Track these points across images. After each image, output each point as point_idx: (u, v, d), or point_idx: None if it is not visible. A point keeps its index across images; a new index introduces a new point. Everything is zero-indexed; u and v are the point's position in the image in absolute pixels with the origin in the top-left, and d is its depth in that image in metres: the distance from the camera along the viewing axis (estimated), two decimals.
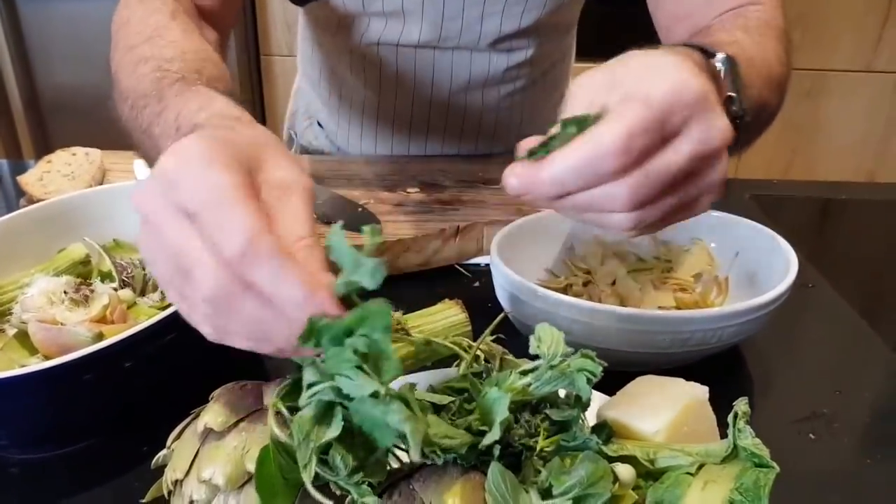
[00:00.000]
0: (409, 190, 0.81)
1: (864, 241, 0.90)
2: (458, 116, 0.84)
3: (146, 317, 0.51)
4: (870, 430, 0.53)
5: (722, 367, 0.58)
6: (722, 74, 0.45)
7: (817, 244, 0.85)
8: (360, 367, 0.30)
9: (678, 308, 0.60)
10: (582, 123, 0.37)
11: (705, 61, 0.45)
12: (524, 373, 0.32)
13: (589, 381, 0.31)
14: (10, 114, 1.86)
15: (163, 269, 0.31)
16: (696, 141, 0.36)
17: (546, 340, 0.32)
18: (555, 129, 0.38)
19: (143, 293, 0.56)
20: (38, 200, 0.73)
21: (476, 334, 0.46)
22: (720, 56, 0.46)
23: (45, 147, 1.92)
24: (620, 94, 0.37)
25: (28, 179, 0.76)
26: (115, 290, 0.53)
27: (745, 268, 0.64)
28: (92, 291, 0.52)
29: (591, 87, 0.39)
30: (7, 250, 0.58)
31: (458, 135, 0.86)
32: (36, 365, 0.38)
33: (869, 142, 2.02)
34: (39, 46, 1.83)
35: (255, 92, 1.97)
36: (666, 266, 0.67)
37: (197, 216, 0.29)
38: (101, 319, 0.50)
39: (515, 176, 0.38)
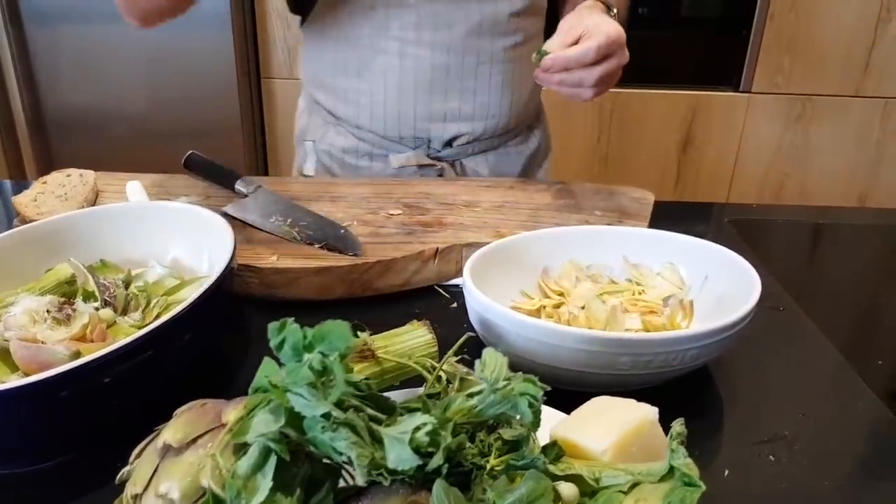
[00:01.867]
0: (391, 212, 0.83)
1: (839, 264, 0.91)
2: (471, 63, 0.92)
3: (124, 335, 0.53)
4: (830, 453, 0.54)
5: (690, 387, 0.59)
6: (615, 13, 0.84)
7: (792, 268, 0.87)
8: (313, 385, 0.31)
9: (646, 330, 0.62)
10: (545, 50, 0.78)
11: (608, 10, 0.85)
12: (471, 395, 0.34)
13: (531, 405, 0.33)
14: (14, 132, 1.90)
15: None
16: (623, 55, 0.79)
17: (490, 365, 0.33)
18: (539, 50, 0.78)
19: (124, 312, 0.58)
20: (31, 221, 0.75)
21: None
22: (614, 10, 0.85)
23: (48, 166, 1.95)
24: (586, 26, 0.77)
25: (22, 200, 0.78)
26: (97, 309, 0.55)
27: (714, 291, 0.65)
28: (74, 311, 0.54)
29: (570, 21, 0.79)
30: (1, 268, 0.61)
31: (471, 87, 0.94)
32: (11, 382, 0.40)
33: (860, 164, 2.04)
34: (45, 66, 1.87)
35: (255, 114, 2.00)
36: (637, 289, 0.68)
37: None
38: (81, 338, 0.51)
39: (549, 59, 0.77)
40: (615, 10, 0.85)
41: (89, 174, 0.85)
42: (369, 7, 0.89)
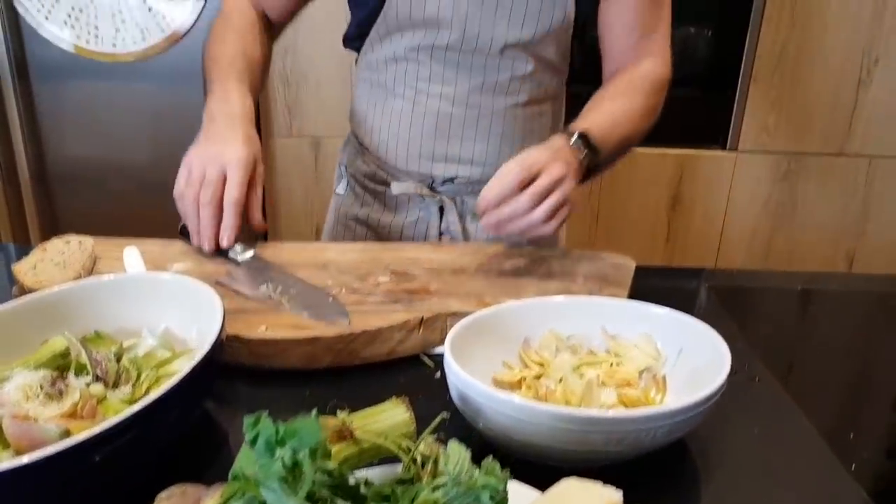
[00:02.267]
0: (380, 279, 0.85)
1: (819, 333, 0.93)
2: (473, 115, 1.04)
3: (114, 412, 0.55)
4: None
5: (665, 459, 0.61)
6: (577, 144, 0.87)
7: (771, 336, 0.89)
8: (284, 480, 0.34)
9: (623, 404, 0.64)
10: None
11: (567, 139, 0.88)
12: (436, 488, 0.36)
13: (492, 496, 0.35)
14: (17, 185, 1.94)
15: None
16: (546, 179, 0.81)
17: (453, 458, 0.35)
18: None
19: (115, 385, 0.60)
20: (29, 289, 0.78)
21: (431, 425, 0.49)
22: (575, 134, 0.88)
23: (50, 218, 1.98)
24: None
25: (22, 268, 0.81)
26: (88, 385, 0.57)
27: (689, 364, 0.68)
28: (66, 386, 0.56)
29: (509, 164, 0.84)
30: None
31: (472, 135, 1.05)
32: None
33: (847, 221, 2.08)
34: (50, 120, 1.92)
35: None
36: (615, 360, 0.70)
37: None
38: (72, 414, 0.53)
39: (482, 226, 0.83)
40: (575, 135, 0.88)
41: (88, 241, 0.88)
42: (393, 58, 1.02)
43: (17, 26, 1.80)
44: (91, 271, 0.85)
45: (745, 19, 1.91)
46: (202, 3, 1.76)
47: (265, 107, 1.98)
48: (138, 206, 1.98)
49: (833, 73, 1.93)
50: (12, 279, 0.82)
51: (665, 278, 1.00)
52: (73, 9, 1.78)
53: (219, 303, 0.65)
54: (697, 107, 2.08)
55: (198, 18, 1.77)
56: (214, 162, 0.85)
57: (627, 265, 0.93)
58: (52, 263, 0.83)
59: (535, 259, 0.93)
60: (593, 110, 0.94)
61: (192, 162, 0.87)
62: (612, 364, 0.70)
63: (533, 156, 0.83)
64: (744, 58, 1.93)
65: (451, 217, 1.09)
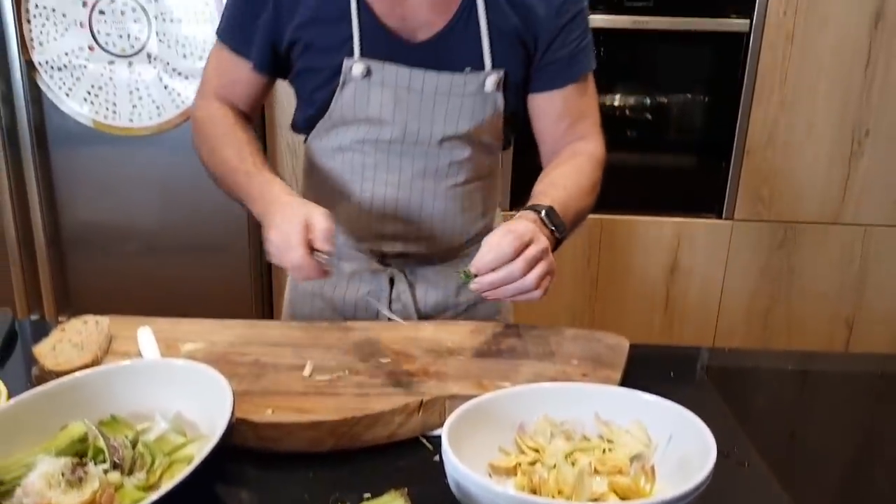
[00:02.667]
0: (381, 360, 0.89)
1: (812, 415, 0.96)
2: (417, 199, 1.10)
3: (131, 500, 0.58)
4: None
5: None
6: (544, 219, 0.93)
7: (763, 418, 0.92)
8: None
9: (614, 492, 0.67)
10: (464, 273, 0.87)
11: (536, 215, 0.93)
12: None
13: None
14: (32, 247, 1.98)
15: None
16: (536, 248, 0.86)
17: None
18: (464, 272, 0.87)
19: (130, 472, 0.63)
20: (49, 371, 0.82)
21: None
22: (542, 211, 0.94)
23: (62, 281, 2.03)
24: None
25: (42, 350, 0.85)
26: (106, 472, 0.60)
27: (678, 451, 0.70)
28: (86, 473, 0.59)
29: (495, 237, 0.87)
30: (15, 428, 0.66)
31: (416, 217, 1.11)
32: None
33: (845, 288, 2.11)
34: (66, 186, 1.98)
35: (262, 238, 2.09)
36: (608, 446, 0.73)
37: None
38: (92, 502, 0.56)
39: (475, 284, 0.86)
40: (543, 213, 0.93)
41: (104, 321, 0.92)
42: (340, 148, 1.09)
43: (38, 100, 1.88)
44: (107, 351, 0.89)
45: (738, 91, 1.98)
46: None
47: (272, 151, 2.04)
48: (147, 268, 2.03)
49: (824, 146, 1.99)
50: (32, 359, 0.86)
51: (660, 357, 1.03)
52: (92, 86, 1.86)
53: (228, 390, 0.69)
54: (693, 176, 2.14)
55: None
56: (283, 255, 0.90)
57: (621, 345, 0.96)
58: (71, 345, 0.87)
59: (530, 338, 0.96)
60: (550, 188, 1.00)
61: (273, 256, 0.92)
62: (604, 450, 0.73)
63: (522, 226, 0.87)
64: (736, 131, 2.00)
65: (402, 286, 1.14)
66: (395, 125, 1.04)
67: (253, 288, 2.07)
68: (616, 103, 2.12)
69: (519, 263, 0.84)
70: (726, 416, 0.86)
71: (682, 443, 0.71)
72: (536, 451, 0.73)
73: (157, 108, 1.86)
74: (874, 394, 1.00)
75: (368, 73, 1.00)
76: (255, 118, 1.15)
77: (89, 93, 1.87)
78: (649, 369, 0.95)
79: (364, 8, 0.99)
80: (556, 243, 0.95)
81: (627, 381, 0.90)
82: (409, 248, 1.13)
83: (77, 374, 0.73)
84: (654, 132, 2.16)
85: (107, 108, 1.87)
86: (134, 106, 1.87)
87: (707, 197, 2.08)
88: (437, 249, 1.14)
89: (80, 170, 1.96)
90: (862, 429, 0.93)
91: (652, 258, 2.09)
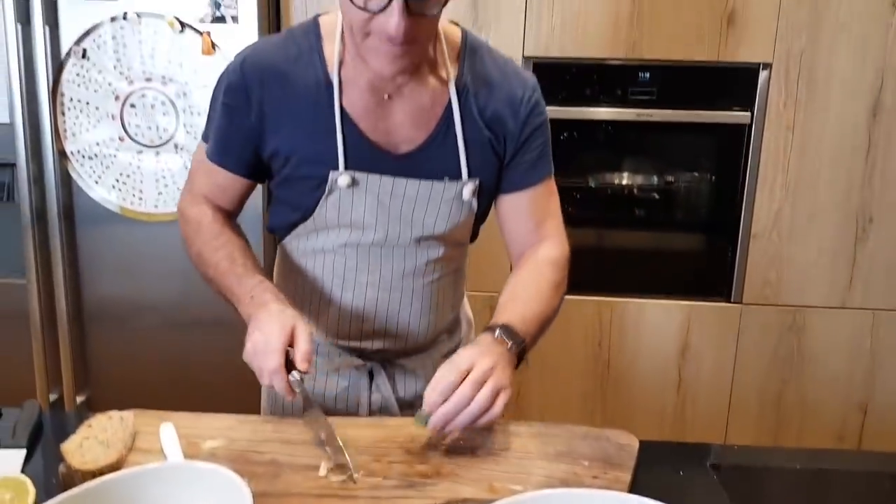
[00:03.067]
0: (394, 460, 0.91)
1: None
2: (395, 299, 1.15)
3: None
4: None
5: None
6: (501, 336, 0.99)
7: None
8: None
9: None
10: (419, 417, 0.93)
11: (492, 334, 1.00)
12: None
13: None
14: (54, 321, 2.03)
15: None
16: (479, 369, 0.92)
17: None
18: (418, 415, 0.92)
19: None
20: (76, 470, 0.85)
21: None
22: (497, 330, 1.00)
23: (81, 357, 2.06)
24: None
25: (69, 448, 0.88)
26: None
27: None
28: None
29: (443, 370, 0.94)
30: None
31: (395, 315, 1.16)
32: None
33: (857, 372, 2.11)
34: (90, 263, 2.04)
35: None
36: None
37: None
38: None
39: (431, 424, 0.91)
40: (497, 331, 1.00)
41: (128, 417, 0.96)
42: (321, 250, 1.14)
43: (68, 184, 1.97)
44: (131, 448, 0.92)
45: (742, 177, 2.04)
46: None
47: None
48: (165, 342, 2.07)
49: (829, 231, 2.03)
50: (59, 455, 0.89)
51: (669, 454, 1.04)
52: (121, 174, 1.95)
53: (249, 495, 0.72)
54: (701, 259, 2.18)
55: None
56: (260, 358, 0.96)
57: (631, 445, 0.98)
58: (97, 442, 0.90)
59: (540, 437, 0.98)
60: (509, 303, 1.07)
61: (249, 359, 0.98)
62: None
63: (463, 356, 0.94)
64: (742, 216, 2.05)
65: (381, 379, 1.19)
66: (377, 229, 1.10)
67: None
68: (624, 182, 2.18)
69: (465, 387, 0.90)
70: None
71: None
72: None
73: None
74: (884, 494, 1.01)
75: (354, 182, 1.07)
76: (237, 217, 1.19)
77: (117, 180, 1.95)
78: (659, 467, 0.96)
79: (348, 123, 1.06)
80: (520, 355, 1.01)
81: (638, 479, 0.92)
82: (387, 344, 1.18)
83: (106, 477, 0.76)
84: (661, 214, 2.22)
85: (133, 195, 1.96)
86: (159, 193, 1.95)
87: (715, 280, 2.12)
88: (415, 343, 1.19)
89: (105, 249, 2.02)
90: None
91: (663, 340, 2.11)
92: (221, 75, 1.10)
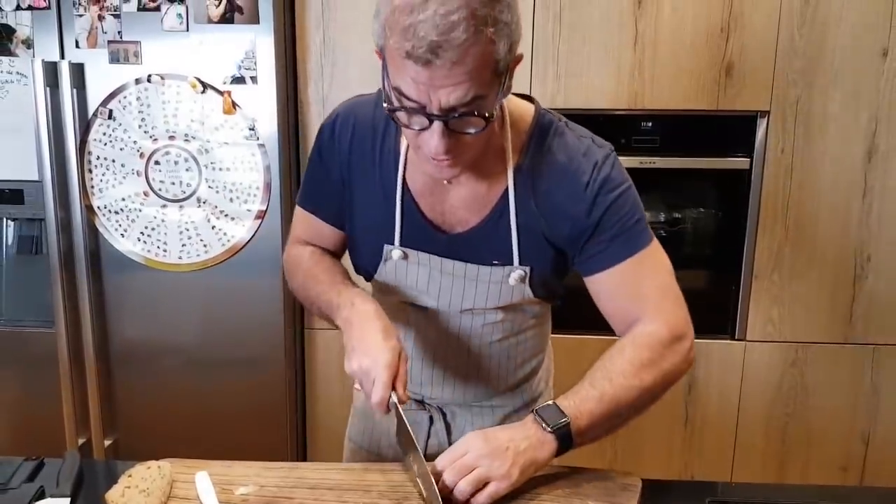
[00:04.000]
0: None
1: None
2: (454, 356, 1.20)
3: None
4: None
5: None
6: (537, 418, 0.99)
7: None
8: None
9: None
10: None
11: (535, 424, 0.99)
12: None
13: None
14: (82, 364, 2.10)
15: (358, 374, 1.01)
16: (470, 456, 0.97)
17: None
18: None
19: None
20: None
21: None
22: (536, 411, 1.00)
23: (109, 395, 2.14)
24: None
25: (112, 497, 0.95)
26: None
27: None
28: None
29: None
30: None
31: (453, 371, 1.21)
32: None
33: (859, 405, 2.16)
34: (116, 309, 2.12)
35: (298, 360, 2.22)
36: None
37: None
38: None
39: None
40: (535, 415, 0.99)
41: (166, 466, 1.03)
42: (388, 303, 1.16)
43: (95, 237, 2.06)
44: (170, 495, 0.99)
45: (744, 220, 2.11)
46: (259, 222, 2.01)
47: None
48: (187, 381, 2.14)
49: (829, 270, 2.09)
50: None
51: (672, 492, 1.10)
52: (146, 227, 2.05)
53: None
54: (706, 298, 2.24)
55: (254, 235, 2.02)
56: (367, 377, 1.00)
57: (634, 485, 1.04)
58: (138, 491, 0.97)
59: (547, 479, 1.04)
60: (581, 382, 1.03)
61: (355, 373, 1.02)
62: None
63: (464, 440, 0.99)
64: (744, 257, 2.11)
65: (439, 426, 1.24)
66: (429, 296, 1.15)
67: (288, 397, 2.17)
68: None
69: (447, 475, 0.95)
70: None
71: None
72: None
73: (205, 246, 2.03)
74: None
75: (405, 256, 1.12)
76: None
77: (142, 233, 2.05)
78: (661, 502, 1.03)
79: (408, 198, 1.11)
80: (562, 440, 0.98)
81: None
82: (445, 396, 1.23)
83: None
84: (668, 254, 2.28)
85: (158, 247, 2.05)
86: (183, 245, 2.04)
87: (720, 319, 2.18)
88: (475, 397, 1.23)
89: (130, 296, 2.11)
90: None
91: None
92: (321, 125, 1.16)
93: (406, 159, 1.09)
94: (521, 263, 1.09)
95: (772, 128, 2.03)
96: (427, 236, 1.11)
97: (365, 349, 1.00)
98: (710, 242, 2.24)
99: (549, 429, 0.98)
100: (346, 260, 1.24)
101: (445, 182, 1.08)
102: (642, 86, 2.02)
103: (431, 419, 1.24)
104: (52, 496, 1.03)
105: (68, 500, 1.03)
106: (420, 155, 0.99)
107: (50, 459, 1.15)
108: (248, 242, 2.02)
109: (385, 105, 0.95)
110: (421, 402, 1.25)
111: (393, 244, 1.12)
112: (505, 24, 0.87)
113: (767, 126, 2.03)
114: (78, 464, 1.12)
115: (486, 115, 0.91)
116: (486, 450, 0.96)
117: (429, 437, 1.24)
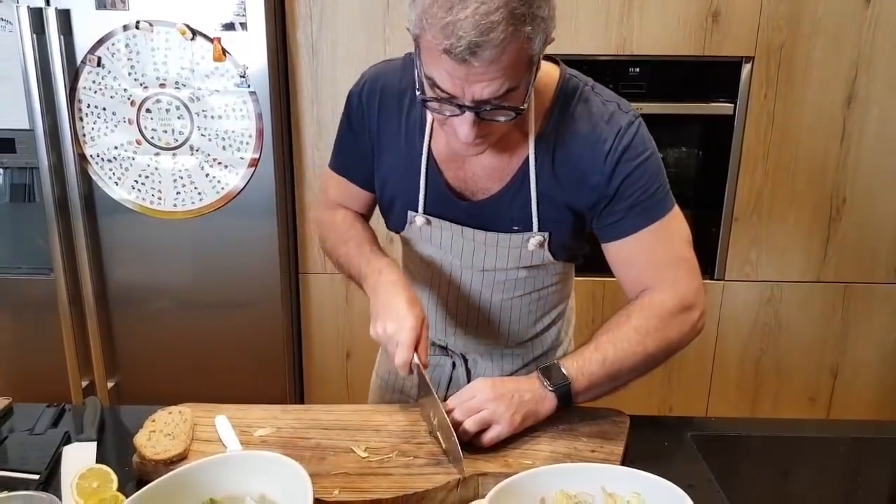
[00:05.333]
0: (423, 441, 1.06)
1: (793, 479, 1.11)
2: (475, 307, 1.25)
3: None
4: None
5: None
6: (539, 375, 1.07)
7: (753, 484, 1.07)
8: None
9: None
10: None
11: (538, 381, 1.06)
12: None
13: None
14: (81, 307, 2.14)
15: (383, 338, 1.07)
16: (476, 400, 1.04)
17: None
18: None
19: None
20: (150, 459, 0.99)
21: None
22: (538, 370, 1.07)
23: (109, 335, 2.19)
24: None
25: (140, 441, 1.02)
26: None
27: None
28: None
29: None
30: None
31: (475, 321, 1.26)
32: None
33: (829, 340, 2.28)
34: (111, 254, 2.15)
35: (293, 304, 2.28)
36: None
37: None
38: None
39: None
40: (550, 387, 1.04)
41: (187, 411, 1.09)
42: (415, 255, 1.24)
43: (89, 185, 2.07)
44: (192, 438, 1.06)
45: (725, 164, 2.17)
46: (252, 170, 2.04)
47: (302, 248, 2.24)
48: (186, 325, 2.20)
49: (806, 212, 2.18)
50: (130, 447, 1.03)
51: (654, 427, 1.19)
52: (139, 175, 2.06)
53: (306, 477, 0.86)
54: None
55: (248, 182, 2.05)
56: (392, 341, 1.05)
57: (623, 421, 1.13)
58: (163, 434, 1.04)
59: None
60: (587, 343, 1.09)
61: (380, 337, 1.08)
62: None
63: (472, 385, 1.06)
64: (724, 200, 2.19)
65: (460, 371, 1.31)
66: (452, 255, 1.20)
67: (284, 339, 2.25)
68: None
69: (455, 413, 1.02)
70: (711, 482, 1.02)
71: None
72: None
73: (199, 193, 2.06)
74: (843, 457, 1.16)
75: (428, 222, 1.17)
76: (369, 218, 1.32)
77: (136, 181, 2.06)
78: (646, 438, 1.11)
79: (433, 166, 1.14)
80: (562, 398, 1.05)
81: (630, 450, 1.07)
82: (468, 344, 1.29)
83: (185, 466, 0.90)
84: None
85: (153, 196, 2.07)
86: (178, 193, 2.06)
87: (701, 260, 2.24)
88: (497, 346, 1.29)
89: (127, 242, 2.13)
90: (839, 493, 1.09)
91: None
92: (350, 91, 1.18)
93: (432, 128, 1.11)
94: (540, 229, 1.12)
95: (756, 73, 2.07)
96: (449, 203, 1.15)
97: (390, 315, 1.06)
98: (693, 186, 2.30)
99: (550, 387, 1.05)
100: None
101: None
102: (630, 32, 2.04)
103: (454, 364, 1.31)
104: (78, 440, 1.10)
105: (95, 443, 1.09)
106: (450, 135, 1.01)
107: (70, 406, 1.21)
108: (242, 190, 2.05)
109: (417, 93, 0.97)
110: (444, 349, 1.31)
111: (417, 211, 1.17)
112: (542, 20, 0.88)
113: (752, 71, 2.07)
114: (100, 409, 1.19)
115: (518, 107, 0.93)
116: (493, 395, 1.03)
117: (450, 381, 1.31)
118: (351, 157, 1.22)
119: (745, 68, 2.08)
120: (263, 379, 2.25)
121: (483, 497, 0.96)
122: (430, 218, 1.17)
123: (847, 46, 2.05)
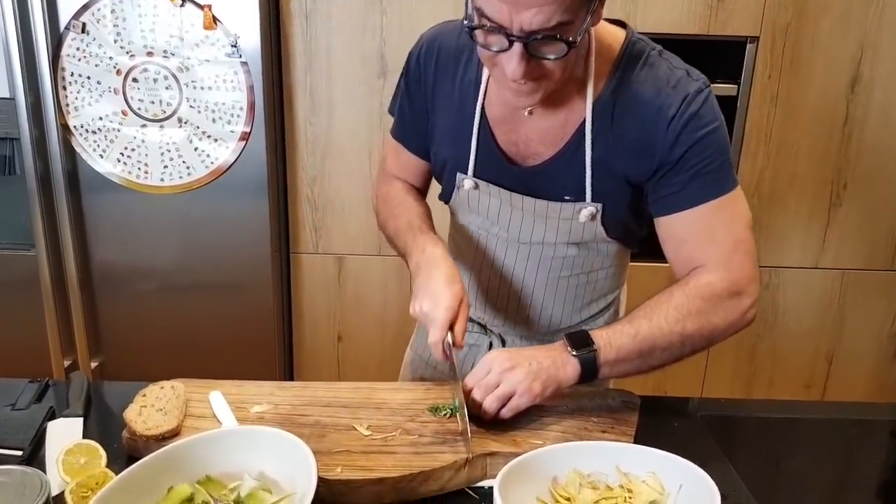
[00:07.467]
0: (427, 419, 1.01)
1: (798, 459, 1.09)
2: (518, 284, 1.20)
3: None
4: None
5: None
6: (565, 342, 1.01)
7: (755, 460, 1.05)
8: None
9: None
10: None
11: (561, 345, 1.01)
12: None
13: None
14: (64, 287, 2.08)
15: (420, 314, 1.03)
16: (492, 375, 0.99)
17: None
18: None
19: None
20: (140, 435, 0.94)
21: None
22: (580, 350, 1.00)
23: (93, 316, 2.13)
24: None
25: (130, 416, 0.96)
26: None
27: (688, 499, 0.84)
28: None
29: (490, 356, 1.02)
30: (135, 489, 0.79)
31: (517, 298, 1.21)
32: None
33: (825, 327, 2.27)
34: (96, 231, 2.08)
35: (283, 284, 2.22)
36: (627, 495, 0.86)
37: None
38: None
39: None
40: (571, 349, 0.99)
41: (179, 386, 1.04)
42: (463, 227, 1.21)
43: (72, 157, 2.00)
44: (185, 413, 1.01)
45: (730, 138, 2.14)
46: (243, 143, 1.97)
47: (294, 227, 2.18)
48: (173, 304, 2.14)
49: (806, 196, 2.15)
50: (121, 423, 0.97)
51: (664, 407, 1.16)
52: (125, 148, 1.99)
53: (310, 452, 0.82)
54: None
55: (238, 156, 1.98)
56: (427, 319, 1.02)
57: (633, 402, 1.09)
58: (155, 410, 0.99)
59: (556, 398, 1.08)
60: (626, 316, 1.04)
61: (417, 315, 1.04)
62: (625, 498, 0.86)
63: (489, 356, 1.02)
64: None
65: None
66: (500, 226, 1.16)
67: (275, 320, 2.19)
68: None
69: (475, 392, 0.99)
70: (720, 459, 1.00)
71: (690, 491, 0.84)
72: (568, 500, 0.86)
73: (188, 168, 1.99)
74: (841, 437, 1.14)
75: (476, 186, 1.13)
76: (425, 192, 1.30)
77: (122, 154, 1.99)
78: (656, 419, 1.08)
79: (485, 128, 1.09)
80: (586, 367, 0.99)
81: (640, 430, 1.03)
82: (508, 325, 1.24)
83: (177, 442, 0.85)
84: None
85: (139, 169, 2.00)
86: (165, 167, 2.00)
87: None
88: (538, 329, 1.24)
89: (111, 218, 2.06)
90: (838, 472, 1.07)
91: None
92: (409, 52, 1.15)
93: (486, 88, 1.08)
94: (593, 200, 1.06)
95: (760, 53, 2.03)
96: (500, 168, 1.10)
97: (428, 293, 1.02)
98: None
99: (573, 352, 0.99)
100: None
101: (526, 113, 1.05)
102: (635, 9, 2.00)
103: (490, 345, 1.26)
104: (64, 416, 1.04)
105: (81, 419, 1.04)
106: (499, 80, 0.96)
107: (53, 381, 1.16)
108: (232, 164, 1.99)
109: (465, 22, 0.92)
110: (483, 327, 1.27)
111: (466, 173, 1.13)
112: None
113: (756, 51, 2.03)
114: (86, 385, 1.13)
115: (569, 39, 0.87)
116: (508, 365, 0.98)
117: None
118: (407, 122, 1.20)
119: (750, 48, 2.04)
120: (253, 362, 2.20)
121: (491, 477, 0.92)
122: (479, 182, 1.12)
123: (853, 27, 2.01)
